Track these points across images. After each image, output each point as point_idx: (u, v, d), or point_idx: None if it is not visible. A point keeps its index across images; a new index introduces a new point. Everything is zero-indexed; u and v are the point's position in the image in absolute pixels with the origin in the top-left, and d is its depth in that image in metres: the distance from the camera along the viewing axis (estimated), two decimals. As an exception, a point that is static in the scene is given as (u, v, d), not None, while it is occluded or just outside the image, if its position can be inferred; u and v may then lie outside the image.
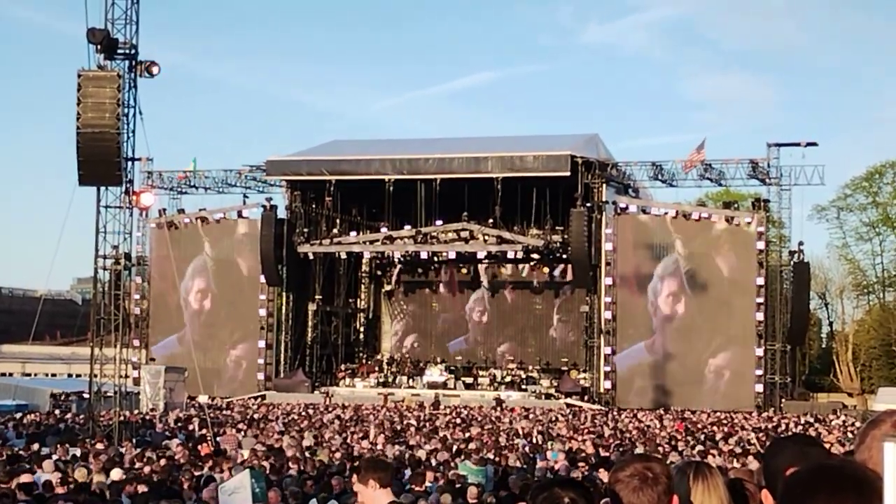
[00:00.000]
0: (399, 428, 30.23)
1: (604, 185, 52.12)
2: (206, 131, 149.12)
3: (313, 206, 56.29)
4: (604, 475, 13.75)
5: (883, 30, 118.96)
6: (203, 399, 34.80)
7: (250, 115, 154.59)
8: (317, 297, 57.21)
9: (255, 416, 36.42)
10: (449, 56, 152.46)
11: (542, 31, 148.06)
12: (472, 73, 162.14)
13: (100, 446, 20.79)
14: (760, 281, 49.81)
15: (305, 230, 55.20)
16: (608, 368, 51.07)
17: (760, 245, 50.17)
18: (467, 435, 27.11)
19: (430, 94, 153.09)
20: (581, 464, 17.97)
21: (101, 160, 25.16)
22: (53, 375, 63.11)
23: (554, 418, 37.67)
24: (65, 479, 13.88)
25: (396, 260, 57.86)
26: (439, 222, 52.96)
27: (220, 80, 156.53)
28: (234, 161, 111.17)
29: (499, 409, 44.33)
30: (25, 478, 13.42)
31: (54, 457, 17.55)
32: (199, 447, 20.88)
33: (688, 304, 50.92)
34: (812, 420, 40.27)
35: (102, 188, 26.57)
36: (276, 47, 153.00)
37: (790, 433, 27.80)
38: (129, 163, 26.36)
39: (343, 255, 55.76)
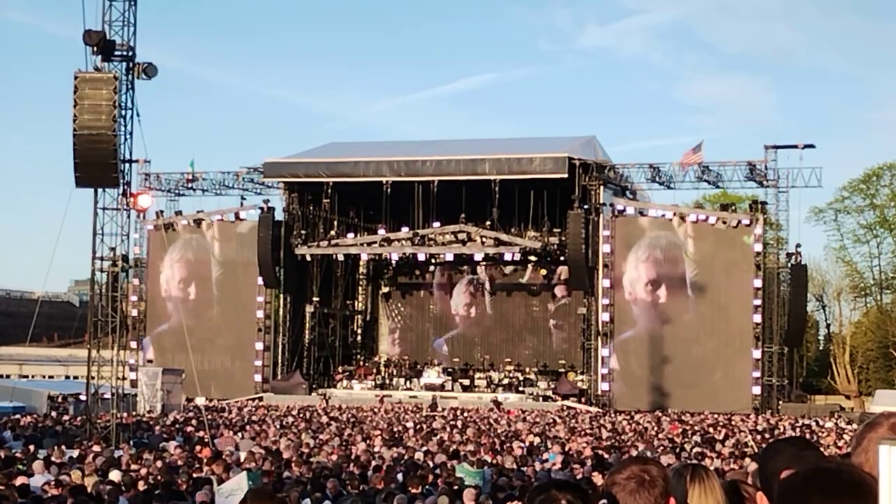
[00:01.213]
0: (396, 430, 30.21)
1: (601, 188, 52.06)
2: (203, 133, 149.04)
3: (311, 207, 56.22)
4: (598, 479, 13.73)
5: (880, 32, 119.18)
6: (200, 401, 34.68)
7: (248, 117, 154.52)
8: (314, 298, 57.16)
9: (253, 417, 36.40)
10: (447, 59, 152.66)
11: (540, 34, 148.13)
12: (470, 76, 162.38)
13: (97, 448, 20.75)
14: (758, 283, 49.78)
15: (303, 232, 55.14)
16: (605, 370, 51.05)
17: (758, 247, 50.16)
18: (464, 437, 27.10)
19: (427, 97, 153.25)
20: (576, 466, 17.99)
21: (98, 162, 25.16)
22: (51, 377, 62.92)
23: (551, 420, 37.66)
24: (60, 482, 13.84)
25: (394, 262, 57.84)
26: (437, 224, 52.90)
27: (218, 82, 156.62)
28: (232, 163, 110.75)
29: (496, 411, 44.31)
30: (21, 480, 13.40)
31: (51, 458, 17.52)
32: (197, 449, 20.85)
33: (685, 306, 50.90)
34: (809, 422, 40.25)
35: (99, 190, 26.56)
36: (274, 50, 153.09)
37: (787, 435, 27.81)
38: (127, 165, 26.37)
39: (340, 257, 55.74)
